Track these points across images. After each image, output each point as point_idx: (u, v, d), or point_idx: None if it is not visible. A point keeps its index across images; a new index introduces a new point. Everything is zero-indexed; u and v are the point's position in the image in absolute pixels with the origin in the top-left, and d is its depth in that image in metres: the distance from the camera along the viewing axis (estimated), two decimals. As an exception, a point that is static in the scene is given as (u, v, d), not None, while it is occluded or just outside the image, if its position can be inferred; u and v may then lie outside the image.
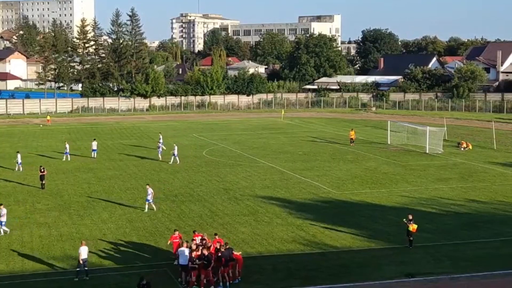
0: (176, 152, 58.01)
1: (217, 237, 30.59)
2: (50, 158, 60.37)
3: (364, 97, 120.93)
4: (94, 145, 62.20)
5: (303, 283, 27.84)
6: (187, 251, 27.96)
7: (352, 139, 69.73)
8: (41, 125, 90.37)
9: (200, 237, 30.05)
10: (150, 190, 40.29)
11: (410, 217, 33.33)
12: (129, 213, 39.80)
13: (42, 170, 47.39)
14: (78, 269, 28.63)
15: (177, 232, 30.98)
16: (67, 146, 60.57)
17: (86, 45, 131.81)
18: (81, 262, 28.52)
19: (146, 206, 40.16)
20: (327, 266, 30.28)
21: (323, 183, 49.08)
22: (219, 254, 27.83)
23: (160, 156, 59.74)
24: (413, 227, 32.67)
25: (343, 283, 28.20)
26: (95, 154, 61.45)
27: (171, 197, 44.12)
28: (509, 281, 29.03)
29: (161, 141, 64.00)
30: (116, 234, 35.17)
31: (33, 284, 27.95)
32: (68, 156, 59.88)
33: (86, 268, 28.59)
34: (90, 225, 36.92)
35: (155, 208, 40.11)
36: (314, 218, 38.50)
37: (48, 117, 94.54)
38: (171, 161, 57.57)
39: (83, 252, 28.64)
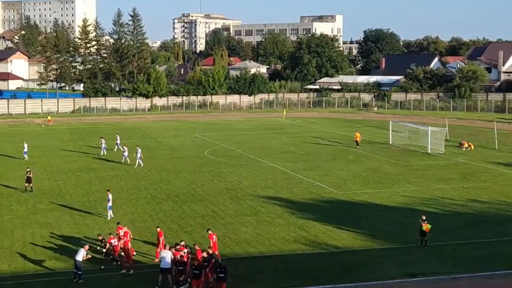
0: (139, 155, 56.07)
1: (120, 225, 31.75)
2: (51, 158, 60.41)
3: (366, 97, 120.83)
4: (103, 143, 62.72)
5: (305, 283, 27.83)
6: (169, 254, 27.75)
7: (357, 141, 67.78)
8: (42, 125, 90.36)
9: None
10: (110, 196, 38.62)
11: (424, 217, 33.62)
12: (131, 213, 39.84)
13: (28, 173, 45.76)
14: (75, 270, 28.28)
15: (112, 237, 30.42)
16: (26, 145, 60.21)
17: (88, 45, 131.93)
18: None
19: (108, 214, 38.59)
20: (329, 266, 30.30)
21: (325, 183, 49.06)
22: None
23: (124, 158, 57.01)
24: (426, 226, 32.83)
25: (345, 283, 28.22)
26: (105, 151, 61.95)
27: (173, 197, 44.12)
28: (511, 281, 29.03)
29: (118, 142, 63.83)
30: (118, 234, 35.14)
31: (35, 284, 27.98)
32: (26, 155, 59.22)
33: (75, 271, 28.06)
34: (92, 225, 36.93)
35: (109, 216, 38.36)
36: (316, 218, 38.50)
37: (49, 117, 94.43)
38: (136, 164, 55.58)
39: (78, 253, 28.39)
